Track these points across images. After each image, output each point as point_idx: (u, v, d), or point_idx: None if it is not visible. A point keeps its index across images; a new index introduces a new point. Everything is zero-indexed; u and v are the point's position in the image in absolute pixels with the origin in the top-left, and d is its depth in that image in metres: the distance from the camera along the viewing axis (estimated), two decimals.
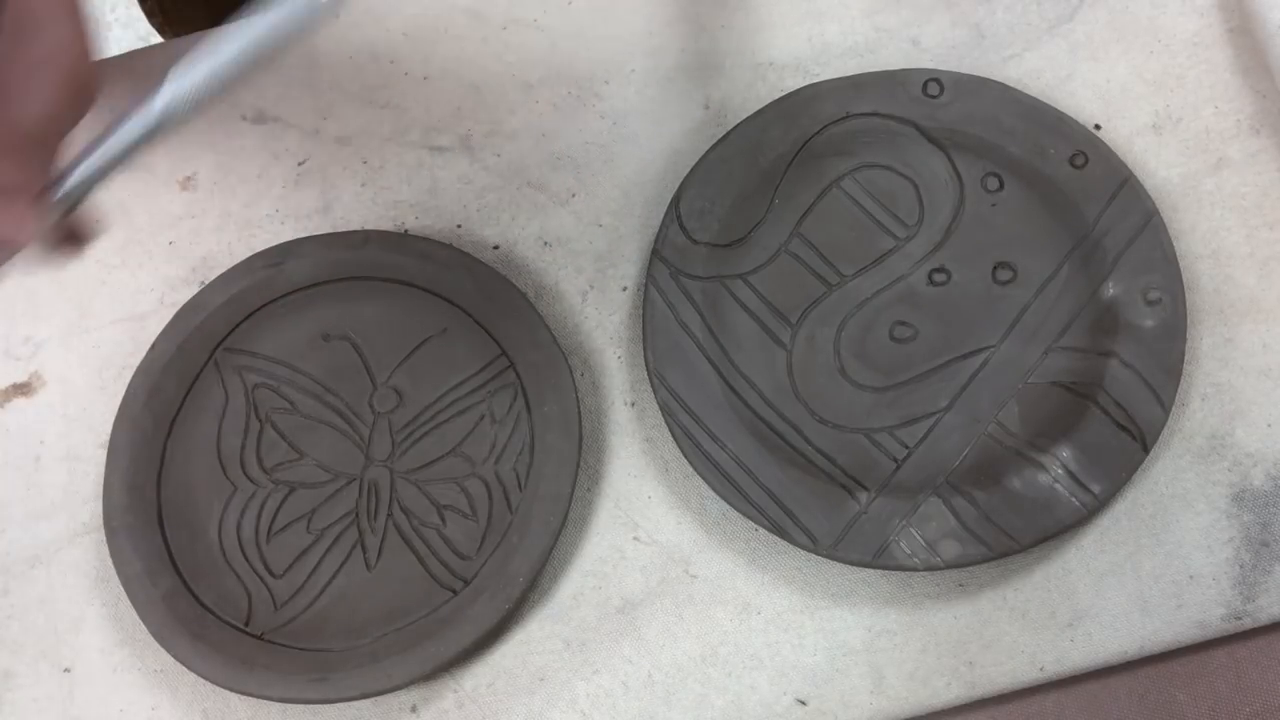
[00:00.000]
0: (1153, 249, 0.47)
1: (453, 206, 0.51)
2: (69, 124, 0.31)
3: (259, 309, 0.49)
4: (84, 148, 0.31)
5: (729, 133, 0.50)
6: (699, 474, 0.45)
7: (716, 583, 0.46)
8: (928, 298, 0.48)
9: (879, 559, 0.43)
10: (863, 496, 0.45)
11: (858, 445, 0.46)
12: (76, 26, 0.31)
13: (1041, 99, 0.49)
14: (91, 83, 0.31)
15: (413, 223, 0.51)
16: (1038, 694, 0.45)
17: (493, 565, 0.45)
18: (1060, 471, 0.44)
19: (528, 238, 0.51)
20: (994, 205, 0.49)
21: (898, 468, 0.45)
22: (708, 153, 0.49)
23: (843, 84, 0.50)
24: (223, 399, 0.48)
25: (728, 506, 0.46)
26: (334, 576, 0.46)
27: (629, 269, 0.50)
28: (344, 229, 0.51)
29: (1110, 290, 0.47)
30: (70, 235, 0.33)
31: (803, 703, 0.44)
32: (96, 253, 0.52)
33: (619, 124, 0.52)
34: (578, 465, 0.46)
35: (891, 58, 0.52)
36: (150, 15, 0.68)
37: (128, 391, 0.48)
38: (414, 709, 0.45)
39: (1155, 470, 0.46)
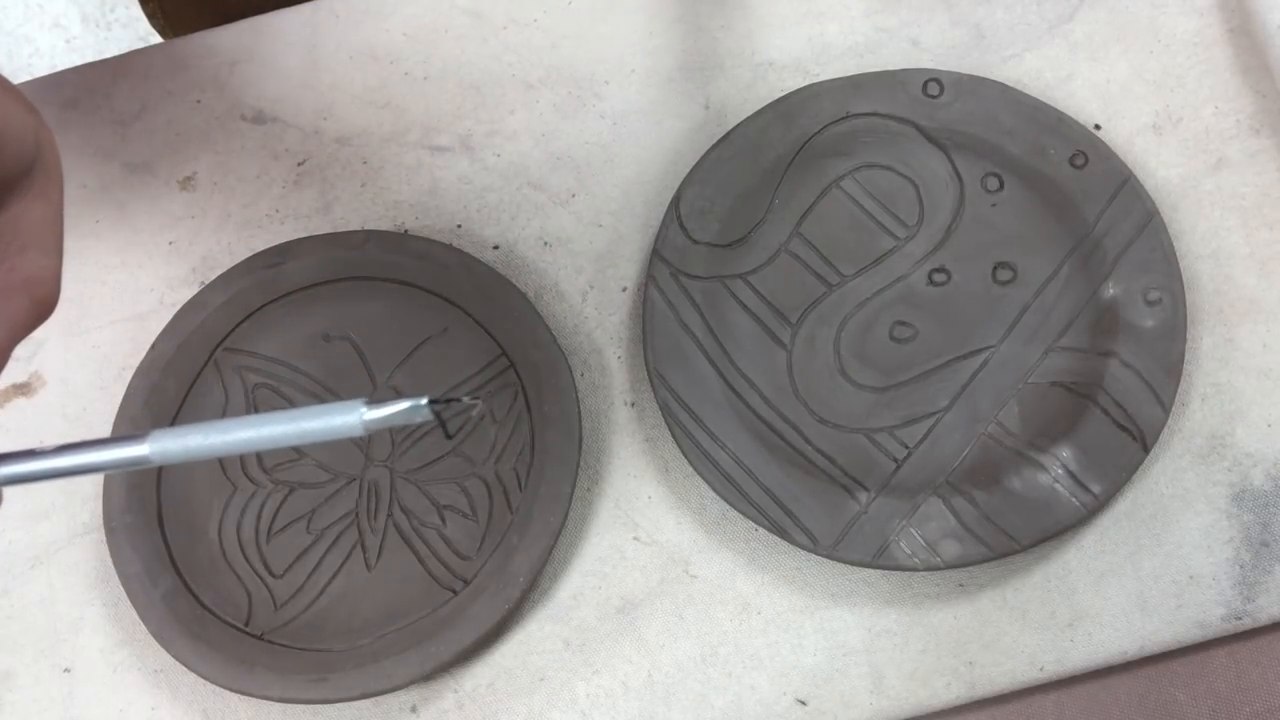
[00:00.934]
0: (1153, 249, 0.47)
1: (453, 206, 0.51)
2: (17, 342, 0.29)
3: (259, 309, 0.49)
4: (59, 446, 0.29)
5: (729, 133, 0.50)
6: (699, 474, 0.45)
7: (716, 583, 0.46)
8: (928, 298, 0.48)
9: (879, 559, 0.43)
10: (863, 496, 0.45)
11: (858, 445, 0.46)
12: (58, 258, 0.30)
13: (1041, 99, 0.49)
14: (51, 309, 0.30)
15: (412, 223, 0.51)
16: (1038, 694, 0.45)
17: (493, 565, 0.45)
18: (1060, 471, 0.44)
19: (528, 238, 0.51)
20: (994, 205, 0.49)
21: (898, 468, 0.45)
22: (708, 153, 0.49)
23: (843, 84, 0.50)
24: (223, 399, 0.48)
25: (728, 506, 0.46)
26: (334, 576, 0.46)
27: (629, 269, 0.50)
28: (344, 229, 0.51)
29: (1110, 290, 0.47)
30: None
31: (803, 703, 0.44)
32: (96, 253, 0.52)
33: (619, 124, 0.52)
34: (578, 465, 0.46)
35: (891, 58, 0.52)
36: (151, 16, 0.68)
37: (128, 391, 0.48)
38: (414, 709, 0.45)
39: (1155, 470, 0.46)
